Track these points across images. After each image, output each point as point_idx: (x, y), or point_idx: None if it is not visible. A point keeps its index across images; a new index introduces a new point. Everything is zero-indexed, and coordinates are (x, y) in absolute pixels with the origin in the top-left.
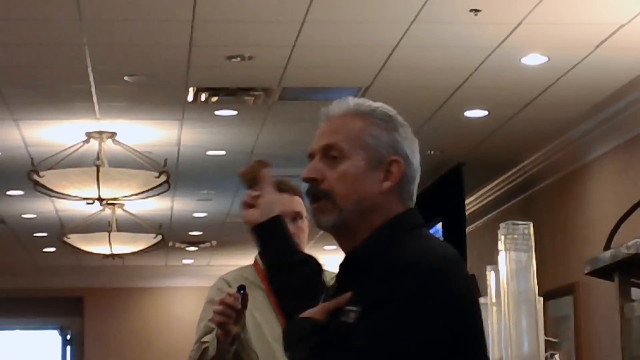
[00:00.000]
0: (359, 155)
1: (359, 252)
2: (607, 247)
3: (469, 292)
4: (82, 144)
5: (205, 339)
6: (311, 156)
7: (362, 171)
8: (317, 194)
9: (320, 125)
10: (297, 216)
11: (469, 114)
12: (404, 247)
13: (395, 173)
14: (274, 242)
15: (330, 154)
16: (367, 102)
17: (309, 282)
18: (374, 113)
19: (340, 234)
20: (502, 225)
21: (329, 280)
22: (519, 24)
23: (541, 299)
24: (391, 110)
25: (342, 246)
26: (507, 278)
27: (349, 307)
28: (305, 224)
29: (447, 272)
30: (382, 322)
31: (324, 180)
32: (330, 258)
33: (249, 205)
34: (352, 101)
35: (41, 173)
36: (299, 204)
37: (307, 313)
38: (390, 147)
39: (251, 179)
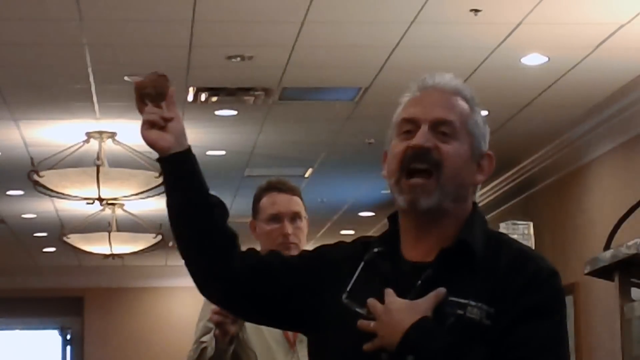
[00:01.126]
0: (466, 140)
1: (472, 241)
2: (607, 247)
3: None
4: (82, 144)
5: (204, 339)
6: (409, 122)
7: (466, 158)
8: (427, 160)
9: (415, 92)
10: (295, 216)
11: None
12: (522, 248)
13: (487, 168)
14: (193, 176)
15: (441, 129)
16: (466, 86)
17: (228, 226)
18: (474, 101)
19: (427, 217)
20: (502, 225)
21: None
22: (519, 24)
23: None
24: None
25: (420, 230)
26: None
27: (463, 301)
28: (304, 224)
29: None
30: (554, 329)
31: (436, 150)
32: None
33: (153, 124)
34: (456, 80)
35: (41, 173)
36: (298, 204)
37: (418, 311)
38: (485, 140)
39: (155, 94)
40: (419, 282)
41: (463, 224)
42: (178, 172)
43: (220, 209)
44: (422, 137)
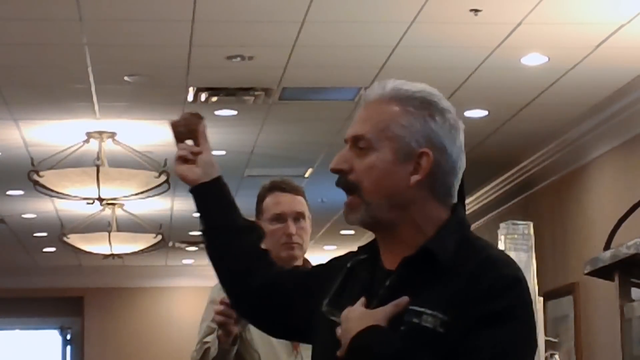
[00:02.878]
0: (386, 147)
1: (439, 250)
2: (607, 247)
3: None
4: (82, 144)
5: (207, 339)
6: (346, 142)
7: (389, 164)
8: (345, 186)
9: (360, 110)
10: (299, 216)
11: (469, 114)
12: (490, 254)
13: (424, 166)
14: (218, 204)
15: (359, 145)
16: (407, 86)
17: (252, 249)
18: (411, 98)
19: (377, 230)
20: (502, 225)
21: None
22: (519, 24)
23: (541, 299)
24: (434, 95)
25: (383, 239)
26: None
27: (419, 309)
28: (307, 223)
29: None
30: (508, 338)
31: (352, 171)
32: (331, 258)
33: (185, 159)
34: (391, 84)
35: (41, 173)
36: (301, 204)
37: (370, 319)
38: (423, 137)
39: (186, 131)
40: (382, 290)
41: (434, 230)
42: (203, 200)
43: (247, 233)
44: (337, 158)
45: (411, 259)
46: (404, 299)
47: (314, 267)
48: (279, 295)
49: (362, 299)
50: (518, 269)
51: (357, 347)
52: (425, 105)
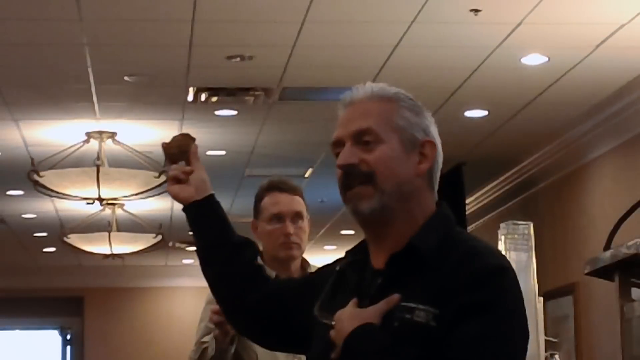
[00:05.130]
0: (393, 138)
1: (422, 244)
2: (607, 247)
3: None
4: (82, 144)
5: (205, 339)
6: (337, 144)
7: (399, 154)
8: (358, 176)
9: (340, 113)
10: (297, 216)
11: (469, 114)
12: (474, 245)
13: (430, 155)
14: (212, 222)
15: (364, 139)
16: (387, 86)
17: (249, 265)
18: (399, 96)
19: (376, 222)
20: (502, 225)
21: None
22: (519, 24)
23: (541, 299)
24: (410, 95)
25: (376, 236)
26: None
27: (411, 304)
28: (305, 223)
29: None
30: (490, 328)
31: (363, 163)
32: (331, 258)
33: (178, 180)
34: (373, 86)
35: (41, 173)
36: (300, 204)
37: (362, 318)
38: (422, 129)
39: (178, 152)
40: (373, 289)
41: (420, 226)
42: (195, 218)
43: (242, 249)
44: (344, 155)
45: (398, 255)
46: (395, 296)
47: (306, 276)
48: (275, 308)
49: (354, 300)
50: (503, 258)
51: (350, 346)
52: (412, 103)
